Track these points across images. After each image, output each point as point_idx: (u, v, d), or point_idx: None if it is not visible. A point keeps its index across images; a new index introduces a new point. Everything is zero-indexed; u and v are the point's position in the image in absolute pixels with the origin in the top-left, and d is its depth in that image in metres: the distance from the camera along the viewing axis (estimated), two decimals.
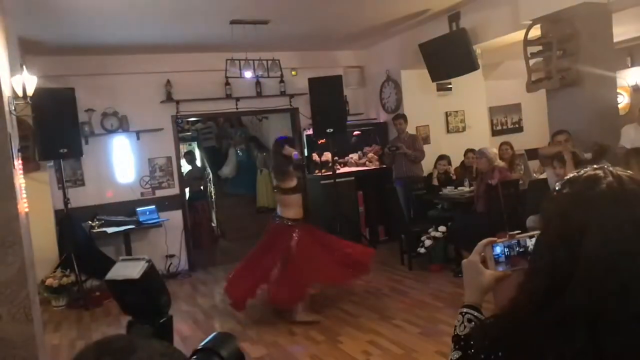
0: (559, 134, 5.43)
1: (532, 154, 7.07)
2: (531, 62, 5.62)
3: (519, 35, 5.68)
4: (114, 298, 3.53)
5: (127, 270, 2.93)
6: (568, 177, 1.03)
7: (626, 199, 0.94)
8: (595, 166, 1.03)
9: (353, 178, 7.98)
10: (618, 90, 7.25)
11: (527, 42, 5.54)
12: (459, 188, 6.70)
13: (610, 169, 1.01)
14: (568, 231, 0.94)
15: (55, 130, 6.09)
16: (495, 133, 9.05)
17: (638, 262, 0.90)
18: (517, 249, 1.27)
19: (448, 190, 6.72)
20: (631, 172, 1.01)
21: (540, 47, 5.56)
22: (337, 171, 7.79)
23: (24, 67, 5.24)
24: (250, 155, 11.09)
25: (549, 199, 1.03)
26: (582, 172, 1.02)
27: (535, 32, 5.59)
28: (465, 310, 1.23)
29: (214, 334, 1.27)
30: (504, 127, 9.24)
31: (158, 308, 3.08)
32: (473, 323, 1.21)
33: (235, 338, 1.26)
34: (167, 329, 2.93)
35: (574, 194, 0.98)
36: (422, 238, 6.30)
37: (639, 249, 0.91)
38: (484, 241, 1.27)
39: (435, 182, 7.36)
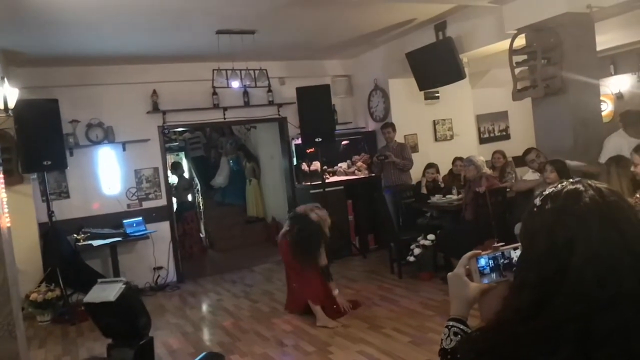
0: (529, 153, 5.67)
1: (519, 161, 7.10)
2: (516, 70, 5.67)
3: (505, 44, 5.73)
4: (93, 321, 3.49)
5: (104, 292, 2.90)
6: (547, 192, 1.04)
7: (609, 212, 0.97)
8: (572, 180, 1.05)
9: (342, 187, 7.97)
10: (602, 98, 7.34)
11: (512, 51, 5.58)
12: (447, 196, 6.71)
13: (589, 182, 1.03)
14: (555, 246, 0.96)
15: (39, 142, 6.03)
16: (482, 141, 9.10)
17: (625, 275, 0.92)
18: (502, 260, 1.29)
19: (436, 198, 6.73)
20: (607, 185, 1.04)
21: (525, 56, 5.61)
22: (326, 180, 7.77)
23: (5, 79, 5.17)
24: (240, 164, 11.06)
25: (531, 213, 1.04)
26: (561, 187, 1.04)
27: (521, 41, 5.64)
28: (451, 323, 1.24)
29: (203, 354, 1.24)
30: (492, 134, 9.29)
31: (137, 330, 3.05)
32: (459, 336, 1.21)
33: (223, 358, 1.24)
34: (148, 351, 2.89)
35: (558, 209, 0.99)
36: (412, 246, 6.30)
37: (625, 262, 0.92)
38: (469, 254, 1.29)
39: (423, 190, 7.37)
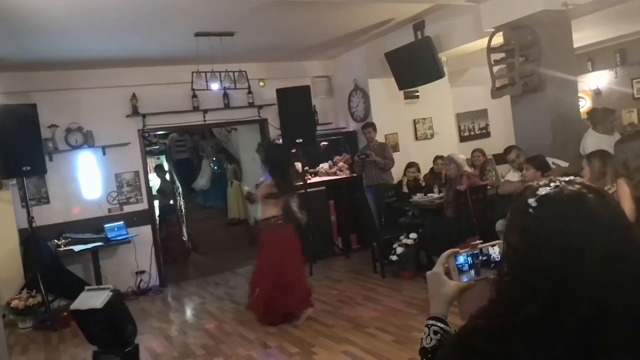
0: (509, 152, 5.70)
1: (499, 158, 7.18)
2: (495, 68, 5.73)
3: (483, 42, 5.79)
4: (80, 328, 3.46)
5: (91, 300, 2.90)
6: (543, 192, 1.00)
7: (614, 215, 0.96)
8: (566, 179, 1.02)
9: (324, 187, 7.99)
10: (580, 95, 7.45)
11: (490, 49, 5.64)
12: (429, 195, 6.75)
13: (583, 182, 1.01)
14: (565, 252, 0.93)
15: (17, 147, 5.97)
16: (463, 139, 9.17)
17: (638, 281, 0.91)
18: (480, 257, 1.28)
19: (418, 197, 6.76)
20: (592, 183, 1.03)
21: (503, 54, 5.67)
22: (308, 181, 7.77)
23: None
24: (222, 167, 11.02)
25: (524, 213, 1.00)
26: (559, 188, 0.99)
27: (498, 39, 5.70)
28: (431, 322, 1.23)
29: None
30: (472, 132, 9.37)
31: (123, 338, 3.04)
32: (439, 335, 1.20)
33: None
34: (133, 359, 2.89)
35: (565, 214, 0.96)
36: (394, 245, 6.33)
37: (637, 266, 0.92)
38: (447, 252, 1.28)
39: (405, 189, 7.41)
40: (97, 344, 3.38)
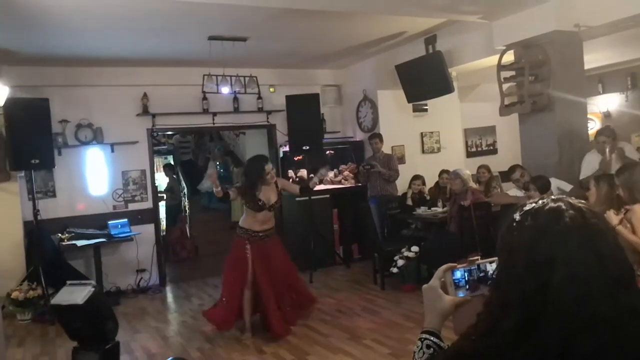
0: (514, 172, 5.73)
1: (505, 176, 7.17)
2: (504, 86, 5.74)
3: (494, 59, 5.80)
4: (60, 324, 3.46)
5: (72, 295, 2.89)
6: (527, 208, 1.04)
7: (589, 234, 0.96)
8: (553, 197, 1.04)
9: (328, 196, 7.99)
10: (589, 116, 7.43)
11: (500, 67, 5.65)
12: (433, 208, 6.75)
13: (570, 201, 1.02)
14: (535, 264, 0.95)
15: (28, 140, 6.03)
16: (469, 154, 9.17)
17: (600, 298, 0.92)
18: (478, 273, 1.28)
19: (422, 210, 6.77)
20: (587, 204, 1.04)
21: (513, 72, 5.68)
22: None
23: None
24: (227, 169, 11.05)
25: (509, 228, 1.04)
26: (542, 204, 1.03)
27: (509, 57, 5.71)
28: (424, 336, 1.24)
29: (170, 358, 1.26)
30: (479, 148, 9.37)
31: (103, 334, 3.04)
32: (432, 349, 1.21)
33: None
34: (113, 356, 2.88)
35: (539, 227, 0.99)
36: (395, 258, 6.31)
37: (601, 286, 0.92)
38: (444, 266, 1.28)
39: (409, 201, 7.41)
40: (77, 340, 3.37)
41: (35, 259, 6.30)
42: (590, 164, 5.33)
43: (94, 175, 7.18)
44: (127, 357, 4.73)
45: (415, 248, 6.28)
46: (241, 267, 5.04)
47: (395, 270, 6.26)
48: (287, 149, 7.94)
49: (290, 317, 5.20)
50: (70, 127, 6.99)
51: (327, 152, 8.57)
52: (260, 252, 5.04)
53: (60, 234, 6.60)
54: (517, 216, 1.03)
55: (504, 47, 5.67)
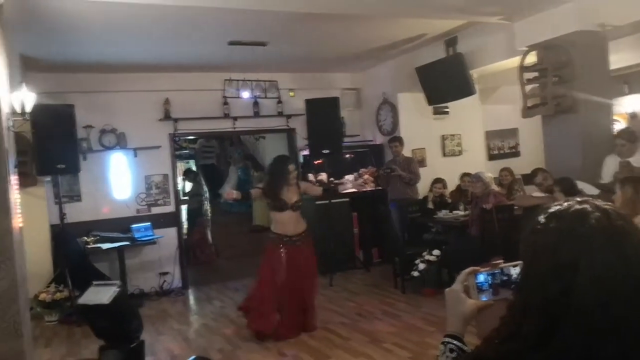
0: (537, 175, 5.67)
1: (527, 179, 7.10)
2: (527, 88, 5.67)
3: (516, 61, 5.74)
4: (86, 323, 3.53)
5: (98, 295, 2.95)
6: (552, 210, 1.03)
7: (615, 236, 0.95)
8: (579, 199, 1.03)
9: (348, 199, 7.97)
10: (615, 117, 7.30)
11: (523, 68, 5.60)
12: (454, 212, 6.70)
13: (596, 202, 1.01)
14: (559, 267, 0.94)
15: (54, 146, 6.13)
16: (491, 157, 9.06)
17: (626, 301, 0.91)
18: (501, 277, 1.27)
19: (443, 213, 6.73)
20: (614, 206, 1.02)
21: (536, 74, 5.61)
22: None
23: (23, 84, 5.30)
24: (247, 173, 11.12)
25: (534, 231, 1.03)
26: (568, 205, 1.02)
27: (532, 58, 5.65)
28: (447, 339, 1.23)
29: (191, 357, 1.28)
30: (501, 151, 9.25)
31: (128, 333, 3.09)
32: (455, 353, 1.20)
33: None
34: (138, 354, 2.93)
35: (564, 229, 0.98)
36: (416, 261, 6.27)
37: (627, 288, 0.91)
38: (467, 270, 1.27)
39: (430, 205, 7.37)
40: (103, 339, 3.44)
41: (61, 261, 6.43)
42: (609, 168, 5.23)
43: (117, 179, 7.30)
44: (151, 358, 4.79)
45: (436, 252, 6.23)
46: (277, 272, 5.09)
47: (416, 274, 6.22)
48: (307, 152, 7.97)
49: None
50: (94, 132, 7.12)
51: (346, 155, 8.58)
52: (293, 257, 5.11)
53: (85, 237, 6.72)
54: (541, 218, 1.02)
55: (526, 48, 5.61)
